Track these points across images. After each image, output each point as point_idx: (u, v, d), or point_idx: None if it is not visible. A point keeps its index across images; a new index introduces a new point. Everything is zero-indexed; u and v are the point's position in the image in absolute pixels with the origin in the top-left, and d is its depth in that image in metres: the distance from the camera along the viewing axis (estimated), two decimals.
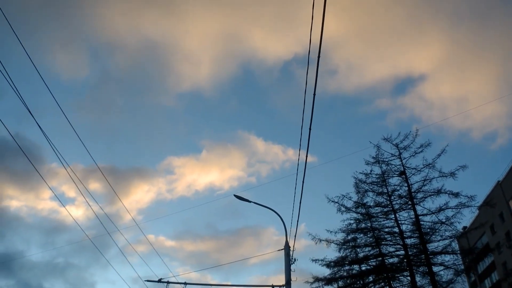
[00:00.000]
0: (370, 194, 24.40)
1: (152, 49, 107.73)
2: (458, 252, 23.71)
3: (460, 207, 22.42)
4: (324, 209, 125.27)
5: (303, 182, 10.67)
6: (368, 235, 24.60)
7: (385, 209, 24.14)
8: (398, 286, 24.70)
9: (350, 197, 24.40)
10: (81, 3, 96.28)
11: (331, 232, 24.59)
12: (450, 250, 22.78)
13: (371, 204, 24.45)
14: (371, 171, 24.44)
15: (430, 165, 23.33)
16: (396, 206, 23.84)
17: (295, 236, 14.67)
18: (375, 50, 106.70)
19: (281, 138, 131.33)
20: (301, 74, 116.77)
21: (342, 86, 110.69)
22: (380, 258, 24.35)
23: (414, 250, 23.42)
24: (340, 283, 25.98)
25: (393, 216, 23.70)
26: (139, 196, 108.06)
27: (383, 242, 24.33)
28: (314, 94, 7.44)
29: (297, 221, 15.65)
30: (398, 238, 23.57)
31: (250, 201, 16.46)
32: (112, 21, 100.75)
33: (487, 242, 49.84)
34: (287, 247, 14.96)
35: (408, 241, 23.36)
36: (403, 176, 23.73)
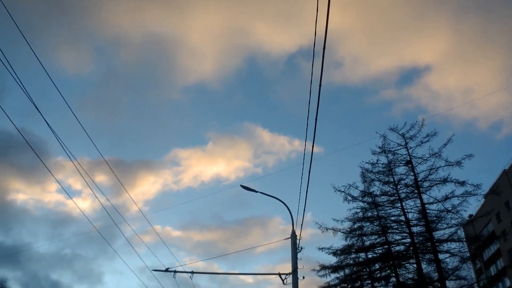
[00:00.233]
0: (377, 183, 24.55)
1: (157, 44, 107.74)
2: (464, 239, 23.77)
3: (466, 195, 22.49)
4: (330, 199, 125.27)
5: (309, 172, 10.72)
6: (375, 224, 24.75)
7: (392, 198, 24.27)
8: (404, 273, 24.98)
9: (356, 186, 24.57)
10: (86, 0, 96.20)
11: (337, 221, 24.83)
12: (456, 238, 22.89)
13: (378, 193, 24.60)
14: (377, 160, 24.51)
15: (436, 154, 23.33)
16: (403, 195, 23.98)
17: (301, 225, 14.69)
18: (380, 42, 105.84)
19: (287, 129, 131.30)
20: (306, 66, 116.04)
21: (347, 78, 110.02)
22: (387, 246, 24.56)
23: (420, 238, 23.58)
24: (347, 270, 26.30)
25: (399, 204, 23.84)
26: (146, 187, 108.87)
27: (389, 231, 24.50)
28: (320, 85, 7.45)
29: (304, 210, 15.76)
30: (404, 226, 23.72)
31: (256, 191, 16.22)
32: (117, 17, 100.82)
33: (492, 230, 49.99)
34: (293, 236, 14.97)
35: (414, 229, 23.54)
36: (410, 165, 23.76)
